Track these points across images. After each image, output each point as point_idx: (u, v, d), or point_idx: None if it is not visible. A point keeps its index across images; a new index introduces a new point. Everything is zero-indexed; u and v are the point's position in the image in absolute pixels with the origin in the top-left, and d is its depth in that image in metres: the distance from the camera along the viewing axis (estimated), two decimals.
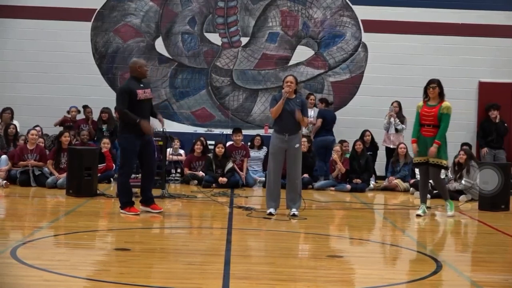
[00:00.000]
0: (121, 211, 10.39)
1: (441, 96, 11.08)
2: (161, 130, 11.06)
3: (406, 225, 10.49)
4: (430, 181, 11.81)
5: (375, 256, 8.36)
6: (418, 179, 11.98)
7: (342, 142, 15.26)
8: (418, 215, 11.10)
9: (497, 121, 16.32)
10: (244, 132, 15.63)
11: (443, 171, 14.29)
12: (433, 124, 10.98)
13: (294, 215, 10.47)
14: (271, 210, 10.58)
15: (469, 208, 12.53)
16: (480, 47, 17.25)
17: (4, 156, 14.00)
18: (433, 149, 10.88)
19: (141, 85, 10.46)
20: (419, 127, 11.10)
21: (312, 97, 16.37)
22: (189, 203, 12.07)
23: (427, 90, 11.14)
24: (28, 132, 14.21)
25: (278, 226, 9.89)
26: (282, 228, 9.79)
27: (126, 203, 10.41)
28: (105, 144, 14.38)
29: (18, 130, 15.51)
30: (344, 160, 14.83)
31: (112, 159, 14.51)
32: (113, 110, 16.30)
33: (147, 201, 10.65)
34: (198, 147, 14.90)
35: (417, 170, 13.07)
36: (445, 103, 11.00)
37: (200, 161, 14.83)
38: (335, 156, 14.73)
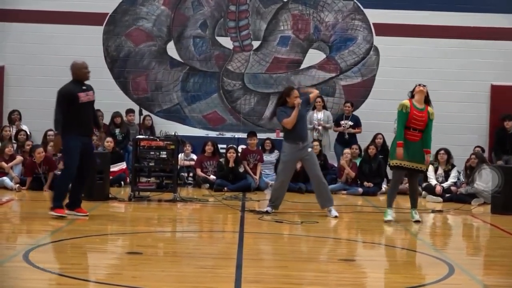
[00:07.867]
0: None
1: (427, 101, 10.67)
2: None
3: (418, 228, 10.45)
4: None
5: (387, 260, 8.36)
6: (390, 181, 11.43)
7: (351, 146, 15.27)
8: (388, 221, 10.64)
9: (510, 132, 16.20)
10: None
11: (455, 173, 14.37)
12: (420, 128, 10.55)
13: (336, 217, 10.92)
14: (268, 208, 11.02)
15: (481, 212, 12.52)
16: (492, 50, 17.16)
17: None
18: (428, 159, 10.66)
19: (83, 88, 10.23)
20: (404, 129, 10.56)
21: (319, 99, 16.30)
22: (200, 207, 12.09)
23: (415, 89, 10.73)
24: (36, 148, 13.89)
25: (290, 230, 9.89)
26: (293, 232, 9.79)
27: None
28: (109, 143, 14.46)
29: (28, 133, 15.53)
30: (352, 165, 14.82)
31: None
32: (123, 114, 16.37)
33: (74, 204, 10.30)
34: (208, 148, 14.95)
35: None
36: (430, 109, 10.65)
37: (211, 161, 14.85)
38: (343, 161, 14.72)
